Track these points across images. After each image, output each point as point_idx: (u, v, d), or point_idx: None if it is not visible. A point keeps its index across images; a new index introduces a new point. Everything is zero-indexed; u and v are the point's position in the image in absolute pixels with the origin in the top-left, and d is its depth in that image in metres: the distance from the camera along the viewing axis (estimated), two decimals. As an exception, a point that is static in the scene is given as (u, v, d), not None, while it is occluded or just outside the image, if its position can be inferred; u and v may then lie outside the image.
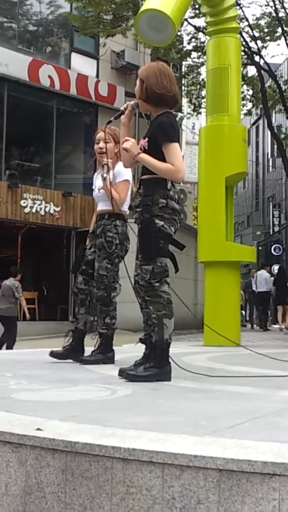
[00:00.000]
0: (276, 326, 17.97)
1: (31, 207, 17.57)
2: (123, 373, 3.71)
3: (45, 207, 17.91)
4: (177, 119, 22.31)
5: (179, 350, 6.31)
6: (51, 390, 3.30)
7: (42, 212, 17.84)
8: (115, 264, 4.82)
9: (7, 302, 11.41)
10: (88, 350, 5.04)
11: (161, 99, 3.76)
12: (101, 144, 4.92)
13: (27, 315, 12.11)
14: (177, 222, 3.73)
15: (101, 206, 4.94)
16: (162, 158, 3.65)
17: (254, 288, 18.95)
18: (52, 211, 18.04)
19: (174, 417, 2.47)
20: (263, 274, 18.41)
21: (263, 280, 18.10)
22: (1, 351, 9.55)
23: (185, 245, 3.84)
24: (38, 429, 2.13)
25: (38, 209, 17.74)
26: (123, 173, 4.84)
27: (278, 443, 1.92)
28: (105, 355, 4.86)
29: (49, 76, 18.22)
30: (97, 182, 5.02)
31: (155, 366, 3.64)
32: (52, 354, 5.07)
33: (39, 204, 17.77)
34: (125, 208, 4.94)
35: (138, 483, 1.90)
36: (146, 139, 3.77)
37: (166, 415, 2.54)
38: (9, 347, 11.23)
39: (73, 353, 5.02)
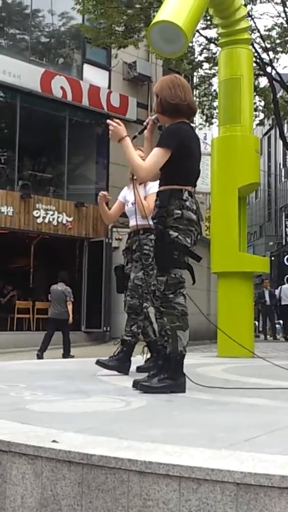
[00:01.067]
0: None
1: (44, 218, 17.62)
2: (137, 385, 3.70)
3: (58, 217, 17.96)
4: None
5: (193, 361, 6.28)
6: (65, 401, 3.29)
7: (55, 223, 17.89)
8: (150, 275, 4.87)
9: (60, 306, 12.40)
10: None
11: (176, 109, 3.78)
12: None
13: (71, 320, 12.77)
14: (193, 233, 3.70)
15: (135, 221, 5.01)
16: (167, 162, 3.67)
17: (267, 299, 19.33)
18: (64, 222, 18.08)
19: (189, 430, 2.45)
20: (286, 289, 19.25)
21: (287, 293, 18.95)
22: (15, 362, 9.55)
23: (201, 256, 3.82)
24: (53, 441, 2.13)
25: (51, 220, 17.79)
26: (155, 185, 4.92)
27: (296, 457, 1.91)
28: (122, 363, 4.87)
29: (62, 87, 18.32)
30: (130, 196, 5.09)
31: (169, 378, 3.63)
32: (139, 369, 4.98)
33: (52, 215, 17.82)
34: None
35: (154, 496, 1.88)
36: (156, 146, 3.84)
37: (182, 427, 2.53)
38: (67, 349, 12.40)
39: (155, 363, 5.00)
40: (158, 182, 4.82)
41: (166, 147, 3.69)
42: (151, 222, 4.87)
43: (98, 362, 4.89)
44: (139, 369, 4.95)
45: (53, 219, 17.85)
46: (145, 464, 1.90)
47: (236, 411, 3.08)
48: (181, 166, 3.69)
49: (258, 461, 1.86)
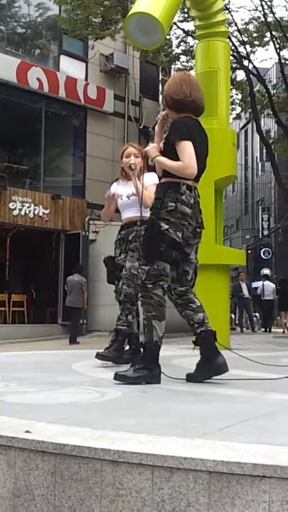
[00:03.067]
0: (280, 330, 20.06)
1: (20, 210, 17.51)
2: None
3: (34, 209, 17.85)
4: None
5: (169, 353, 6.30)
6: (40, 393, 3.28)
7: (31, 215, 17.78)
8: None
9: (76, 295, 14.05)
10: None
11: (180, 104, 3.82)
12: (133, 158, 5.12)
13: (85, 307, 14.68)
14: (186, 227, 3.71)
15: (131, 213, 5.09)
16: (177, 157, 3.69)
17: (245, 292, 19.88)
18: (41, 214, 17.99)
19: (164, 420, 2.46)
20: (270, 284, 21.01)
21: (271, 289, 20.63)
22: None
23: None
24: (27, 431, 2.12)
25: (27, 212, 17.68)
26: (152, 179, 5.02)
27: (268, 445, 1.92)
28: (119, 353, 4.90)
29: (38, 79, 18.17)
30: (123, 190, 5.19)
31: (144, 368, 3.64)
32: (101, 356, 5.03)
33: (28, 207, 17.71)
34: (148, 214, 5.01)
35: (127, 485, 1.89)
36: (163, 140, 3.87)
37: (156, 417, 2.54)
38: (74, 334, 13.99)
39: (132, 356, 5.01)
40: (153, 175, 4.91)
41: (186, 138, 3.71)
42: (145, 214, 4.92)
43: (99, 356, 4.87)
44: (101, 356, 4.99)
45: (29, 211, 17.74)
46: (118, 454, 1.90)
47: (210, 402, 3.10)
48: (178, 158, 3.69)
49: (231, 449, 1.87)
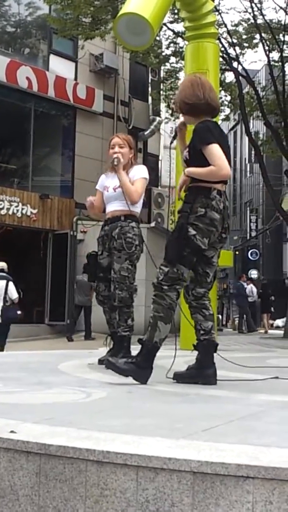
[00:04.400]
0: (262, 330, 21.29)
1: (8, 209, 17.44)
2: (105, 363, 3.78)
3: (22, 209, 17.80)
4: (156, 123, 22.43)
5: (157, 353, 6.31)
6: (26, 393, 3.28)
7: (19, 214, 17.73)
8: (134, 265, 4.84)
9: (84, 295, 14.88)
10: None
11: (194, 108, 3.81)
12: (116, 149, 4.90)
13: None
14: (213, 234, 3.69)
15: (116, 207, 4.88)
16: (205, 163, 3.66)
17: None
18: (29, 213, 17.93)
19: (149, 420, 2.47)
20: (253, 287, 22.28)
21: (254, 292, 22.10)
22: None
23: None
24: (11, 431, 2.12)
25: (15, 211, 17.62)
26: (141, 172, 4.91)
27: (252, 446, 1.93)
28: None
29: (27, 78, 18.12)
30: (110, 182, 4.96)
31: (135, 364, 3.62)
32: (101, 362, 4.90)
33: (16, 206, 17.64)
34: (137, 209, 4.93)
35: (112, 485, 1.89)
36: (187, 149, 3.84)
37: (141, 418, 2.54)
38: (88, 331, 14.94)
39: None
40: (142, 168, 4.91)
41: (212, 141, 3.67)
42: (133, 209, 4.87)
43: (106, 363, 4.76)
44: (100, 361, 4.92)
45: (17, 210, 17.68)
46: (103, 454, 1.90)
47: (196, 402, 3.10)
48: (207, 165, 3.66)
49: (215, 450, 1.88)
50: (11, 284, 10.58)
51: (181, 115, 4.00)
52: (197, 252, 3.67)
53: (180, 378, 3.80)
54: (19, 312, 10.83)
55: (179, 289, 3.69)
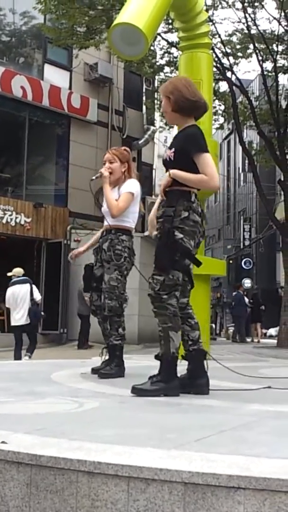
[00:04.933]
0: (249, 339, 21.65)
1: (2, 218, 17.42)
2: (98, 373, 3.73)
3: (16, 217, 17.78)
4: (150, 132, 22.50)
5: (149, 363, 6.28)
6: (17, 403, 3.26)
7: (13, 223, 17.70)
8: (124, 275, 4.90)
9: (82, 304, 14.57)
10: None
11: (194, 106, 3.82)
12: (107, 165, 4.98)
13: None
14: (197, 235, 3.69)
15: (108, 221, 4.98)
16: (190, 168, 3.65)
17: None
18: (23, 222, 17.92)
19: (141, 430, 2.46)
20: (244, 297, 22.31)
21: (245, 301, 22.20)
22: None
23: (201, 262, 3.80)
24: (2, 442, 2.11)
25: (9, 220, 17.60)
26: (127, 187, 4.96)
27: (243, 457, 1.93)
28: (120, 367, 4.83)
29: (22, 87, 18.15)
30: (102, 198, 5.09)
31: (162, 381, 3.57)
32: (94, 371, 4.93)
33: (10, 215, 17.63)
34: (131, 223, 5.00)
35: (103, 496, 1.88)
36: (173, 149, 3.78)
37: (133, 428, 2.53)
38: (82, 340, 15.10)
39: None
40: (132, 182, 4.92)
41: (207, 150, 3.70)
42: (130, 224, 4.92)
43: (102, 375, 4.71)
44: (94, 371, 4.92)
45: (11, 219, 17.66)
46: (94, 465, 1.90)
47: (188, 412, 3.10)
48: (192, 170, 3.66)
49: (207, 461, 1.88)
50: (34, 286, 11.12)
51: (166, 112, 3.91)
52: (187, 254, 3.66)
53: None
54: (42, 312, 11.54)
55: (177, 294, 3.64)
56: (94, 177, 5.03)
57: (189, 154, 3.68)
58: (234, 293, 24.06)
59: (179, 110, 3.83)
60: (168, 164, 3.79)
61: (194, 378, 3.78)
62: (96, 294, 5.03)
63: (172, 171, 3.70)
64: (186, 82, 3.88)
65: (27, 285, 10.94)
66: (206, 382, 3.78)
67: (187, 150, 3.70)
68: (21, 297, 10.68)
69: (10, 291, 10.83)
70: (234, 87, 17.49)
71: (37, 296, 10.96)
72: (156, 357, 3.69)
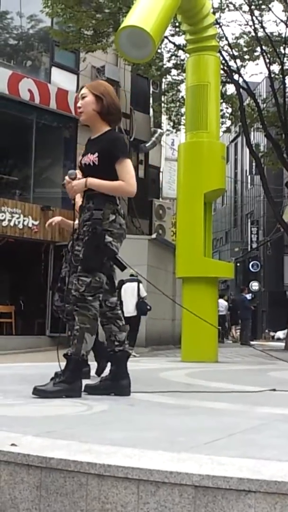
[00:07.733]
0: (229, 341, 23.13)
1: (9, 221, 17.47)
2: (88, 389, 3.72)
3: (24, 220, 17.82)
4: (157, 135, 22.52)
5: (157, 366, 6.29)
6: (26, 406, 3.27)
7: (20, 226, 17.74)
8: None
9: None
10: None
11: (118, 117, 3.90)
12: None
13: None
14: (122, 238, 3.74)
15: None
16: (113, 172, 3.66)
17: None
18: (30, 225, 17.95)
19: (150, 433, 2.45)
20: (224, 302, 22.68)
21: (224, 306, 22.60)
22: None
23: (126, 266, 3.81)
24: (12, 444, 2.11)
25: (16, 223, 17.64)
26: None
27: (254, 460, 1.92)
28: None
29: (29, 90, 18.20)
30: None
31: (65, 382, 3.58)
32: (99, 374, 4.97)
33: (17, 218, 17.67)
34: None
35: (113, 499, 1.88)
36: (96, 154, 3.72)
37: (143, 431, 2.53)
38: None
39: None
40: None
41: (129, 156, 3.78)
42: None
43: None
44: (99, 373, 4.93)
45: (19, 222, 17.70)
46: (104, 467, 1.89)
47: (197, 415, 3.09)
48: (116, 176, 3.68)
49: (217, 464, 1.87)
50: (141, 285, 12.08)
51: (87, 109, 3.83)
52: (113, 258, 3.69)
53: (93, 390, 3.79)
54: (148, 306, 12.19)
55: (100, 297, 3.67)
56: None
57: (113, 158, 3.68)
58: (232, 297, 24.36)
59: (106, 114, 3.83)
60: (90, 169, 3.74)
61: (116, 380, 3.80)
62: (58, 294, 5.02)
63: (88, 181, 3.68)
64: (112, 91, 3.91)
65: (135, 283, 11.98)
66: (128, 384, 3.79)
67: (113, 154, 3.70)
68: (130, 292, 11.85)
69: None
70: (241, 90, 17.47)
71: (143, 292, 12.02)
72: (65, 355, 3.67)
